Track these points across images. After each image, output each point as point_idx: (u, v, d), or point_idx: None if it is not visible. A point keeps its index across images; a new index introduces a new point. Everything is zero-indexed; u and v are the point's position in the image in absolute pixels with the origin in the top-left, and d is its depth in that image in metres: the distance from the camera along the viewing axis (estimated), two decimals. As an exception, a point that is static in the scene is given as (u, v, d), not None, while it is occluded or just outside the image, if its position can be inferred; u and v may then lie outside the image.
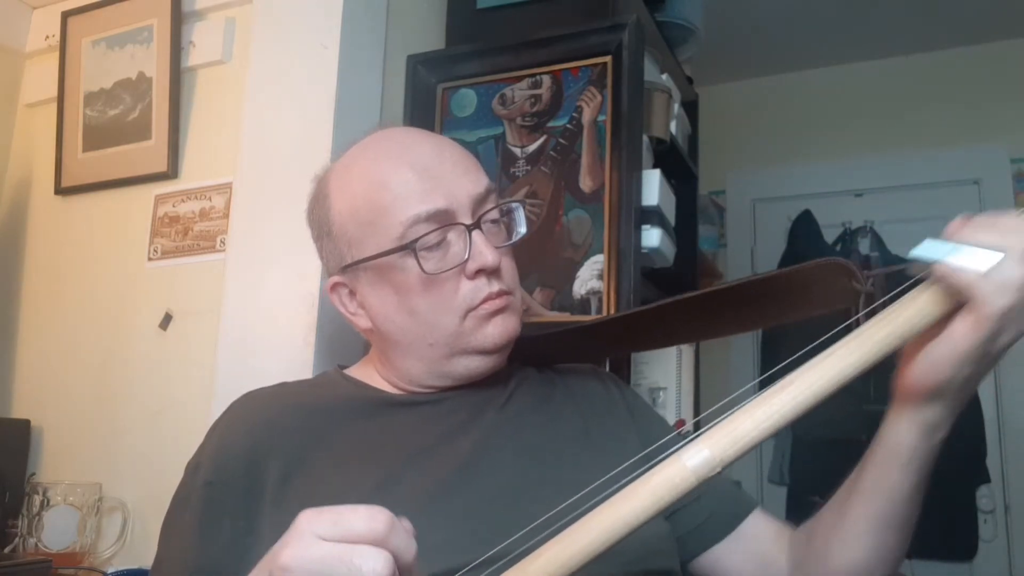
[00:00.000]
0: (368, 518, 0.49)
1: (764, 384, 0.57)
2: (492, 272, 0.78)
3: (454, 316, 0.77)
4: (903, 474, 0.67)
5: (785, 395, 0.55)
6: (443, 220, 0.77)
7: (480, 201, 0.79)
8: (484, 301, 0.77)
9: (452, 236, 0.77)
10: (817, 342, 0.58)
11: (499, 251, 0.78)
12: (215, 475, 0.74)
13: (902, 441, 0.66)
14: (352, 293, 0.83)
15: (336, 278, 0.83)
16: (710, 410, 0.57)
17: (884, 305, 0.58)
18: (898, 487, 0.68)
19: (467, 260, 0.76)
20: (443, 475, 0.72)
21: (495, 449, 0.76)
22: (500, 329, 0.78)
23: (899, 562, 0.73)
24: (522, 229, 0.84)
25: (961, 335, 0.58)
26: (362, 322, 0.83)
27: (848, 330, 0.58)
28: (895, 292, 0.58)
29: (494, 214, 0.81)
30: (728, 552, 0.82)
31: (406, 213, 0.76)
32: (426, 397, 0.82)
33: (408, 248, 0.76)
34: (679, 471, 0.53)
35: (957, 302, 0.56)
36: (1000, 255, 0.55)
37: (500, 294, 0.78)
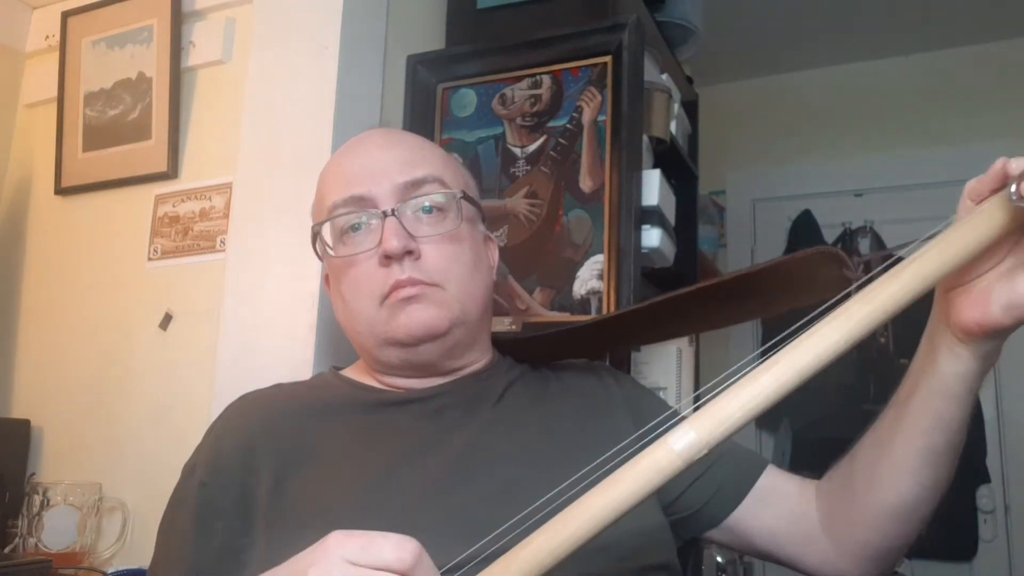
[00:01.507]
0: (397, 547, 0.49)
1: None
2: (401, 258, 0.76)
3: (369, 302, 0.78)
4: (958, 405, 0.66)
5: (769, 375, 0.54)
6: (359, 206, 0.79)
7: (407, 189, 0.79)
8: (394, 289, 0.76)
9: (374, 223, 0.78)
10: (803, 321, 0.57)
11: (429, 239, 0.77)
12: (210, 477, 0.74)
13: (960, 373, 0.64)
14: None
15: (325, 269, 0.88)
16: (710, 383, 0.56)
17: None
18: (953, 417, 0.66)
19: (379, 246, 0.77)
20: (438, 473, 0.72)
21: (490, 446, 0.76)
22: (412, 319, 0.76)
23: (944, 494, 0.72)
24: (459, 221, 0.80)
25: None
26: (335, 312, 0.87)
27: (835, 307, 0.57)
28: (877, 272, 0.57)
29: (422, 202, 0.79)
30: (752, 513, 0.80)
31: (330, 200, 0.80)
32: (418, 394, 0.81)
33: (315, 231, 0.81)
34: (665, 454, 0.52)
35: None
36: None
37: (412, 282, 0.76)
